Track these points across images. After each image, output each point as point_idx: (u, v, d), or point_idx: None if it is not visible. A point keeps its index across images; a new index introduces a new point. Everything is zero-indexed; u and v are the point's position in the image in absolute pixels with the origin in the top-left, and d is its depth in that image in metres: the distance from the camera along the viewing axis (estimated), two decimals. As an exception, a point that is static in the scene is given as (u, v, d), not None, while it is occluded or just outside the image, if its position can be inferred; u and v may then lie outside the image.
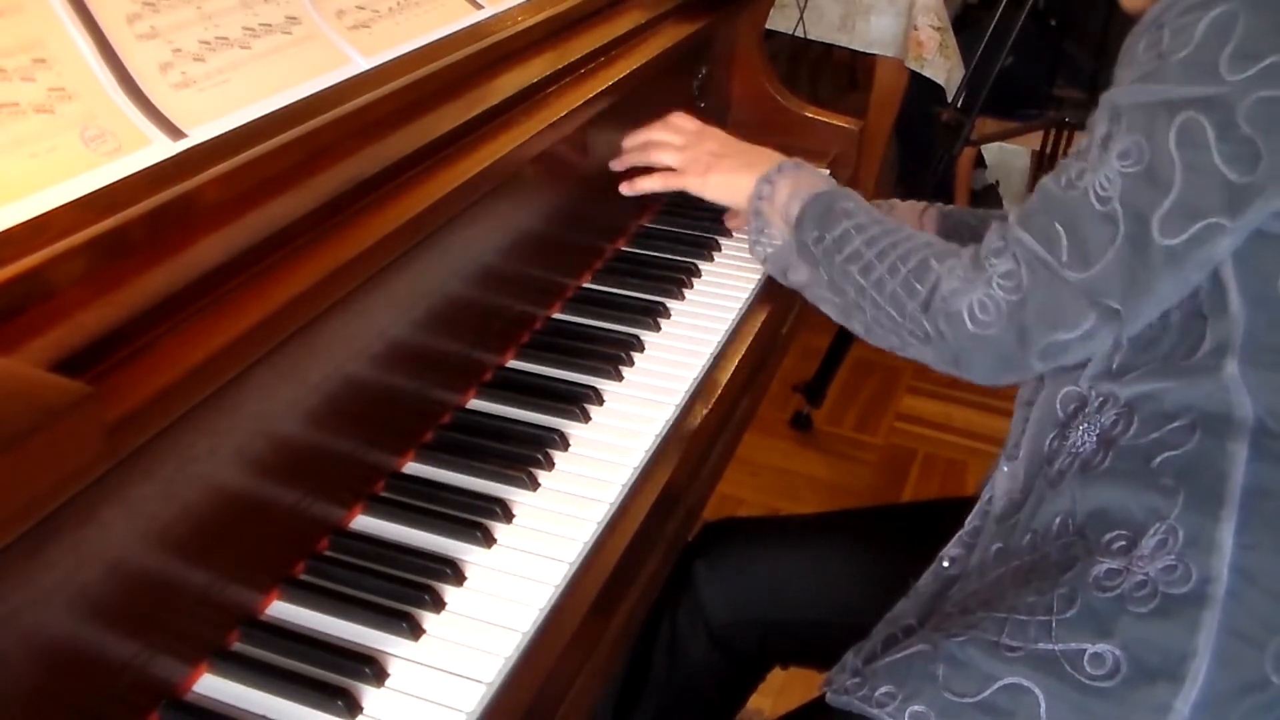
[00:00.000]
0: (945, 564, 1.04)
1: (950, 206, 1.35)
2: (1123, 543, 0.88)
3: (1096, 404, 0.93)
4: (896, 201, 1.36)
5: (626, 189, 1.28)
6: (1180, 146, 0.82)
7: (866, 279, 0.99)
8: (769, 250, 1.12)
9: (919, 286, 0.95)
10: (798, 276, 1.09)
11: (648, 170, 1.27)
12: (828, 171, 1.64)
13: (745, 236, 1.42)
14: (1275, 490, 0.85)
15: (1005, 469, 1.02)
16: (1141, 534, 0.87)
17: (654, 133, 1.27)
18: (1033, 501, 0.96)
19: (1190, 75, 0.81)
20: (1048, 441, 0.96)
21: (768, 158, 1.18)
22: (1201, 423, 0.88)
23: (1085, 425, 0.93)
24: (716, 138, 1.24)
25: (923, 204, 1.35)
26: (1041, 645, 0.87)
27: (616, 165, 1.28)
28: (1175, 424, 0.89)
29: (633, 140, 1.29)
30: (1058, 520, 0.93)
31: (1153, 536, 0.87)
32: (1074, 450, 0.94)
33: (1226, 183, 0.81)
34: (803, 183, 1.11)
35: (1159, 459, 0.88)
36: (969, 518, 1.04)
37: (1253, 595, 0.84)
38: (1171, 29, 0.83)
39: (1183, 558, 0.85)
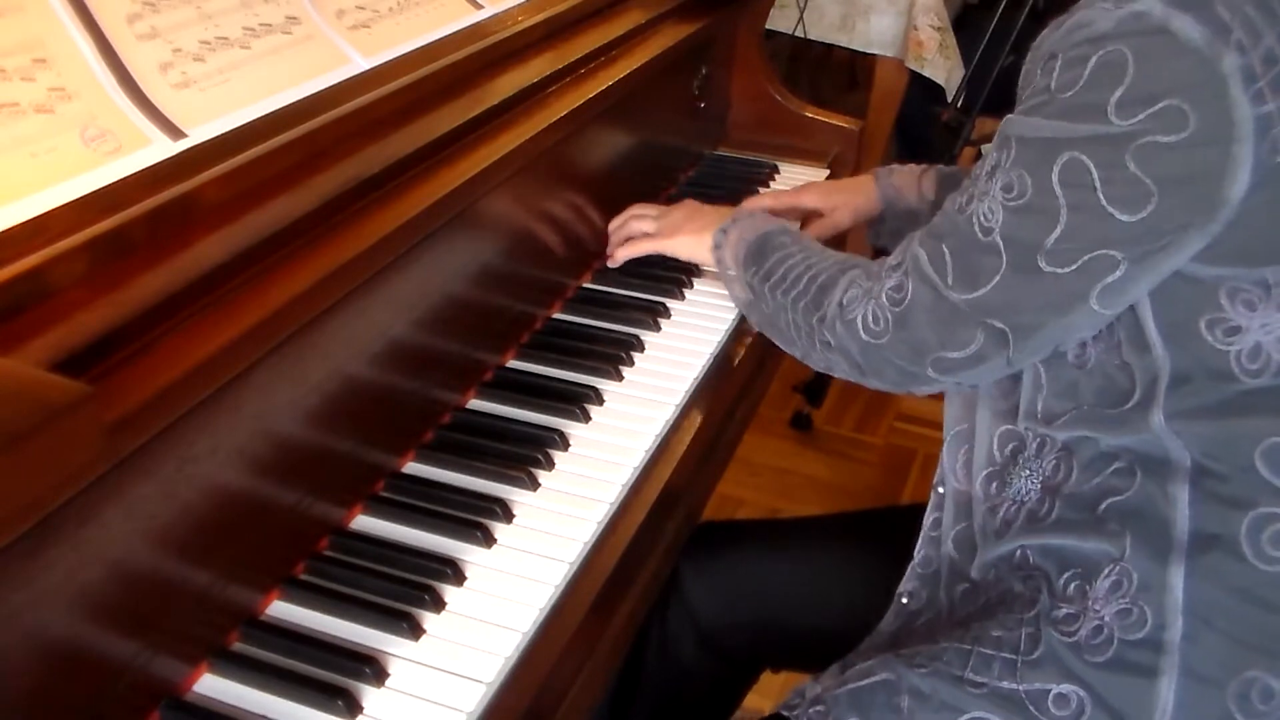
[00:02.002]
0: (905, 600, 1.03)
1: (952, 168, 1.35)
2: (1077, 582, 0.87)
3: (1035, 446, 0.92)
4: (896, 166, 1.37)
5: (610, 262, 1.33)
6: (1064, 185, 0.80)
7: (786, 299, 1.05)
8: (733, 293, 1.17)
9: (823, 300, 1.00)
10: (753, 314, 1.14)
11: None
12: (828, 173, 1.64)
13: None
14: (1219, 532, 0.83)
15: (949, 504, 1.01)
16: (1095, 574, 0.86)
17: (631, 209, 1.36)
18: (983, 546, 0.95)
19: (1077, 115, 0.79)
20: (990, 486, 0.95)
21: (727, 214, 1.22)
22: (1140, 465, 0.86)
23: (1026, 472, 0.92)
24: (685, 208, 1.32)
25: (923, 166, 1.36)
26: (1006, 684, 0.86)
27: (610, 254, 1.35)
28: (1115, 465, 0.87)
29: (615, 221, 1.36)
30: (1016, 553, 0.91)
31: (1106, 578, 0.85)
32: (1018, 499, 0.92)
33: (1116, 222, 0.79)
34: (751, 227, 1.15)
35: (1104, 505, 0.87)
36: (917, 545, 1.03)
37: (1209, 638, 0.82)
38: (1063, 61, 0.80)
39: (1136, 601, 0.84)
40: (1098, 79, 0.78)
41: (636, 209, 1.35)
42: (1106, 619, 0.84)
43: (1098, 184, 0.79)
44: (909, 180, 1.35)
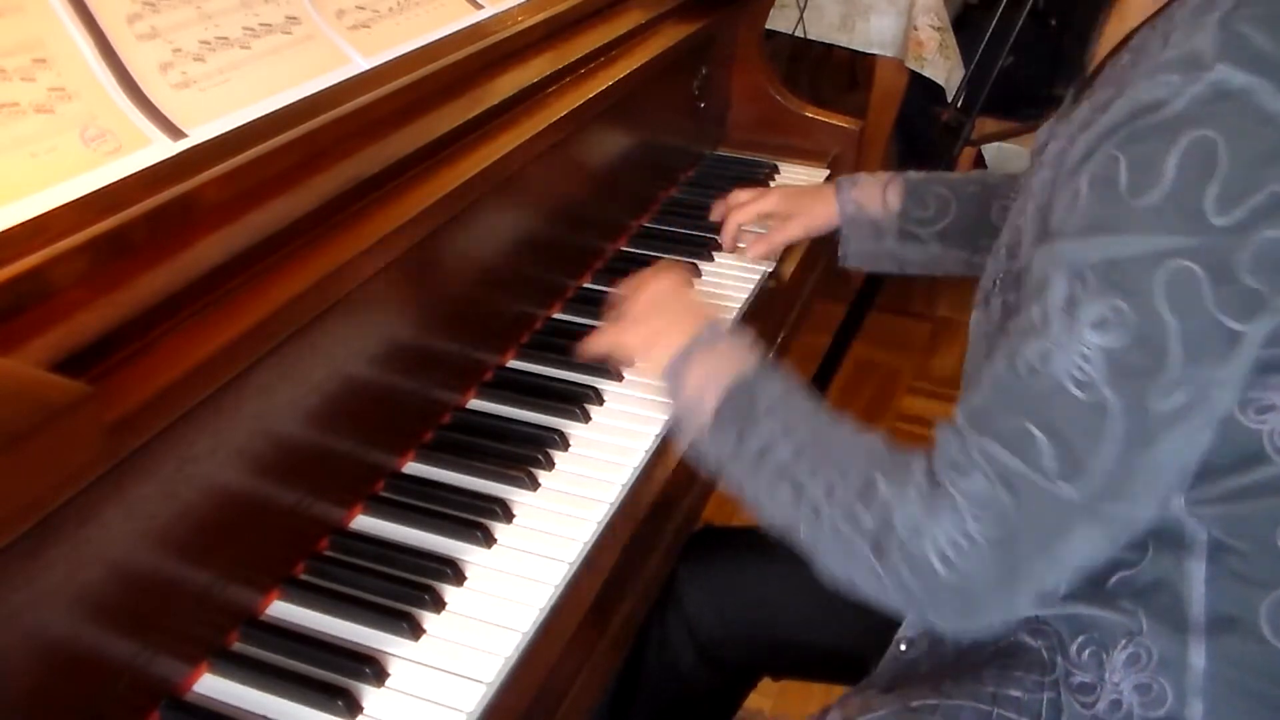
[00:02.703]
0: (903, 648, 0.95)
1: (917, 175, 1.26)
2: (1093, 648, 0.82)
3: None
4: (862, 175, 1.31)
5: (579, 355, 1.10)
6: (1172, 303, 0.67)
7: (799, 501, 0.81)
8: (696, 446, 0.91)
9: (865, 518, 0.76)
10: (727, 481, 0.90)
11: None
12: (828, 173, 1.64)
13: (747, 236, 1.43)
14: (1239, 614, 0.78)
15: None
16: (1111, 645, 0.82)
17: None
18: None
19: (1169, 223, 0.67)
20: None
21: (687, 328, 0.93)
22: (1153, 540, 0.79)
23: None
24: (650, 292, 1.02)
25: (889, 175, 1.27)
26: None
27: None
28: (1125, 542, 0.80)
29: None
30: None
31: (1123, 650, 0.81)
32: None
33: (1228, 332, 0.68)
34: (718, 368, 0.89)
35: (1114, 579, 0.81)
36: None
37: (1231, 716, 0.79)
38: (1129, 160, 0.69)
39: (1156, 677, 0.79)
40: (1185, 177, 0.66)
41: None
42: (1125, 693, 0.80)
43: (1208, 294, 0.67)
44: (873, 192, 1.27)
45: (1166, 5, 0.77)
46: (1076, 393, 0.69)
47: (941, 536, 0.73)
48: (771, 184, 1.61)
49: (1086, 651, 0.83)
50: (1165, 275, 0.67)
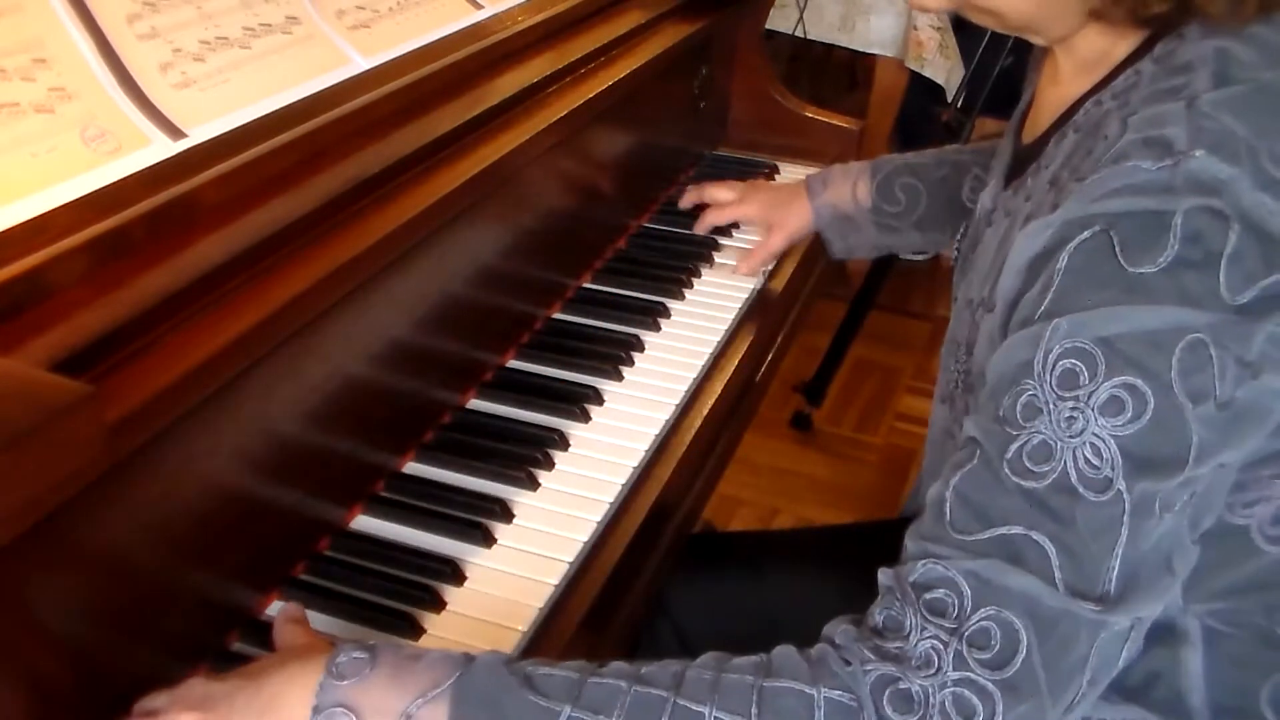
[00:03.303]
0: None
1: (887, 165, 1.24)
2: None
3: None
4: (831, 171, 1.32)
5: None
6: (1186, 380, 0.61)
7: None
8: None
9: None
10: None
11: None
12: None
13: (747, 236, 1.43)
14: (1240, 704, 0.75)
15: None
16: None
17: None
18: None
19: (1181, 293, 0.62)
20: None
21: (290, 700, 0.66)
22: (1147, 634, 0.70)
23: None
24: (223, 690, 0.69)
25: (855, 168, 1.27)
26: None
27: None
28: None
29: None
30: None
31: None
32: None
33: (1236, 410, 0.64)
34: (390, 701, 0.64)
35: None
36: None
37: None
38: (1123, 236, 0.63)
39: None
40: (1190, 245, 0.62)
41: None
42: None
43: (1215, 368, 0.62)
44: (843, 189, 1.28)
45: (1108, 79, 0.74)
46: (1092, 495, 0.61)
47: (944, 702, 0.61)
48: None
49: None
50: (1181, 349, 0.61)
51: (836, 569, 1.15)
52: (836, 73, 4.12)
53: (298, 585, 0.87)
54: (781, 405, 2.57)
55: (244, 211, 0.82)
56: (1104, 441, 0.61)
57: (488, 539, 0.91)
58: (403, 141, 0.97)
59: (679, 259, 1.36)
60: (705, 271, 1.35)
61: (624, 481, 0.99)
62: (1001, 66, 2.41)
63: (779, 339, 1.37)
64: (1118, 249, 0.62)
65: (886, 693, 0.62)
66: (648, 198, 1.50)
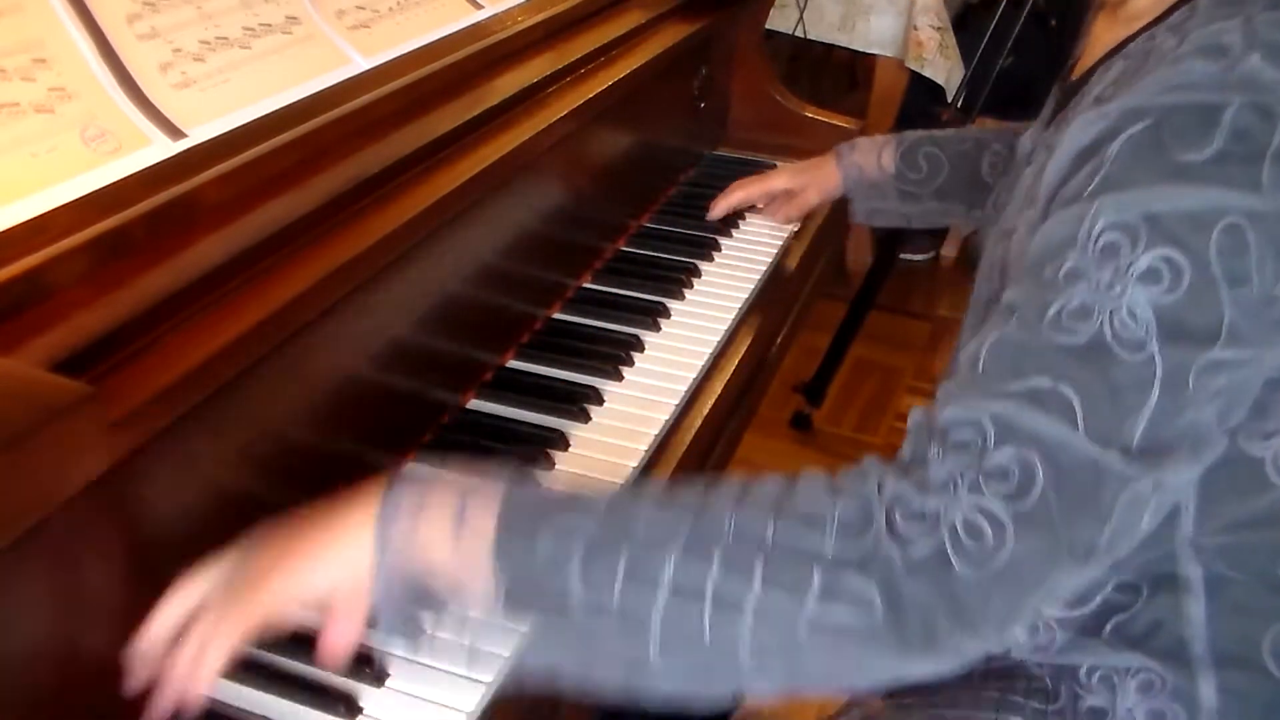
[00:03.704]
0: None
1: (913, 135, 1.30)
2: (1101, 672, 0.80)
3: None
4: (860, 140, 1.36)
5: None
6: (1224, 261, 0.63)
7: (704, 586, 0.62)
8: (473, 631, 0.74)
9: (820, 545, 0.62)
10: (567, 646, 0.68)
11: None
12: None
13: (747, 236, 1.43)
14: (1242, 652, 0.76)
15: None
16: (1122, 673, 0.79)
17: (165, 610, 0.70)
18: None
19: (1226, 177, 0.63)
20: None
21: (357, 509, 0.69)
22: (1148, 583, 0.76)
23: None
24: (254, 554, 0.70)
25: (882, 139, 1.32)
26: None
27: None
28: (1117, 580, 0.78)
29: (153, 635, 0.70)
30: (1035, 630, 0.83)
31: (1134, 677, 0.79)
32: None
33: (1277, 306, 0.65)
34: (478, 502, 0.66)
35: (1110, 625, 0.78)
36: None
37: None
38: (1172, 126, 0.65)
39: (1170, 704, 0.78)
40: (1239, 135, 0.64)
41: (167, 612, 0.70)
42: (1139, 718, 0.79)
43: (1253, 256, 0.63)
44: (869, 155, 1.32)
45: (1166, 14, 0.76)
46: (1120, 351, 0.62)
47: (956, 524, 0.61)
48: (771, 184, 1.61)
49: (1097, 675, 0.81)
50: (1220, 231, 0.63)
51: None
52: (836, 73, 4.12)
53: (298, 585, 0.87)
54: (781, 405, 2.57)
55: (244, 211, 0.82)
56: (1141, 306, 0.63)
57: (488, 539, 0.91)
58: (403, 141, 0.97)
59: (679, 259, 1.36)
60: (705, 271, 1.35)
61: (624, 482, 0.99)
62: (1001, 66, 2.41)
63: (779, 338, 1.37)
64: (1166, 139, 0.65)
65: (900, 508, 0.63)
66: (648, 198, 1.50)
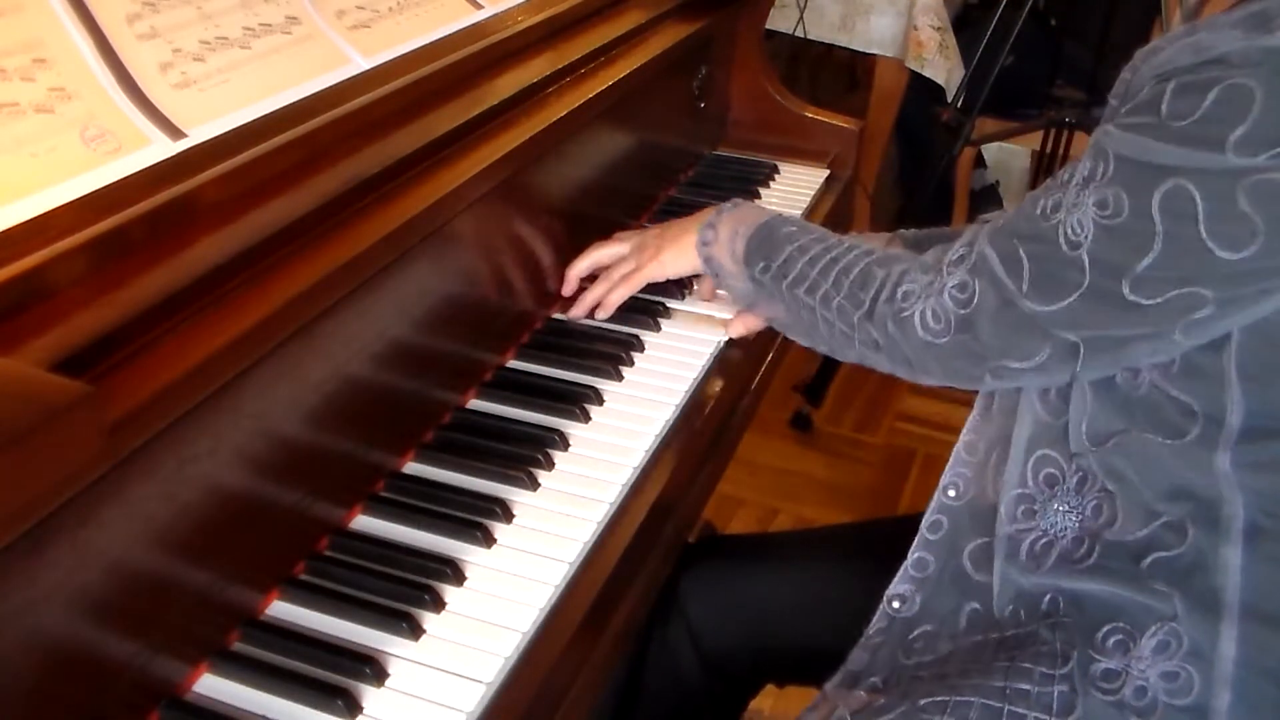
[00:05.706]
0: (895, 605, 0.97)
1: (909, 231, 1.28)
2: (1119, 637, 0.83)
3: (1075, 481, 0.88)
4: (869, 235, 1.30)
5: (602, 312, 1.21)
6: (1164, 213, 0.75)
7: (814, 297, 0.98)
8: (735, 291, 1.12)
9: (862, 295, 0.94)
10: (762, 310, 1.10)
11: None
12: (828, 173, 1.64)
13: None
14: (1273, 605, 0.80)
15: (964, 514, 0.96)
16: (1140, 631, 0.83)
17: (593, 253, 1.23)
18: (1005, 572, 0.91)
19: (1189, 143, 0.73)
20: (1017, 509, 0.90)
21: (707, 213, 1.14)
22: (1192, 521, 0.82)
23: (1063, 507, 0.88)
24: (653, 229, 1.22)
25: (885, 235, 1.29)
26: None
27: (569, 291, 1.24)
28: (1163, 520, 0.83)
29: (579, 266, 1.23)
30: (1046, 598, 0.88)
31: (1152, 636, 0.82)
32: (1050, 532, 0.89)
33: (1214, 258, 0.74)
34: (743, 219, 1.09)
35: (1149, 559, 0.83)
36: (913, 547, 0.98)
37: (1259, 711, 0.79)
38: (1178, 85, 0.74)
39: (1185, 665, 0.80)
40: (1219, 112, 0.72)
41: (598, 251, 1.23)
42: (1151, 680, 0.81)
43: (1201, 217, 0.73)
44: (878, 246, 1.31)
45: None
46: (1065, 248, 0.80)
47: (926, 307, 0.89)
48: (771, 184, 1.61)
49: (1113, 639, 0.83)
50: (1168, 187, 0.74)
51: (849, 567, 1.16)
52: (836, 73, 4.13)
53: (298, 585, 0.87)
54: (781, 405, 2.57)
55: (244, 211, 0.82)
56: (1088, 222, 0.79)
57: (488, 539, 0.91)
58: (403, 141, 0.97)
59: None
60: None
61: (624, 482, 0.99)
62: (1001, 66, 2.42)
63: (780, 338, 1.37)
64: (1166, 101, 0.75)
65: (904, 282, 0.93)
66: (647, 198, 1.50)
